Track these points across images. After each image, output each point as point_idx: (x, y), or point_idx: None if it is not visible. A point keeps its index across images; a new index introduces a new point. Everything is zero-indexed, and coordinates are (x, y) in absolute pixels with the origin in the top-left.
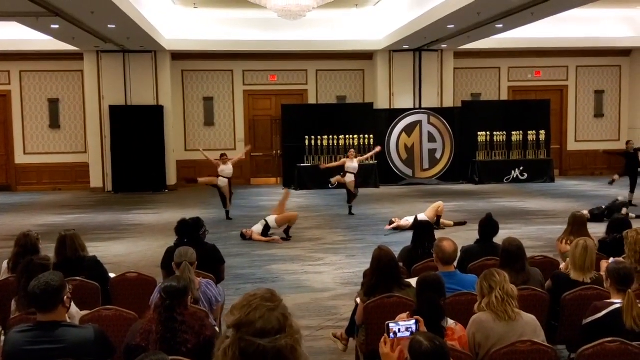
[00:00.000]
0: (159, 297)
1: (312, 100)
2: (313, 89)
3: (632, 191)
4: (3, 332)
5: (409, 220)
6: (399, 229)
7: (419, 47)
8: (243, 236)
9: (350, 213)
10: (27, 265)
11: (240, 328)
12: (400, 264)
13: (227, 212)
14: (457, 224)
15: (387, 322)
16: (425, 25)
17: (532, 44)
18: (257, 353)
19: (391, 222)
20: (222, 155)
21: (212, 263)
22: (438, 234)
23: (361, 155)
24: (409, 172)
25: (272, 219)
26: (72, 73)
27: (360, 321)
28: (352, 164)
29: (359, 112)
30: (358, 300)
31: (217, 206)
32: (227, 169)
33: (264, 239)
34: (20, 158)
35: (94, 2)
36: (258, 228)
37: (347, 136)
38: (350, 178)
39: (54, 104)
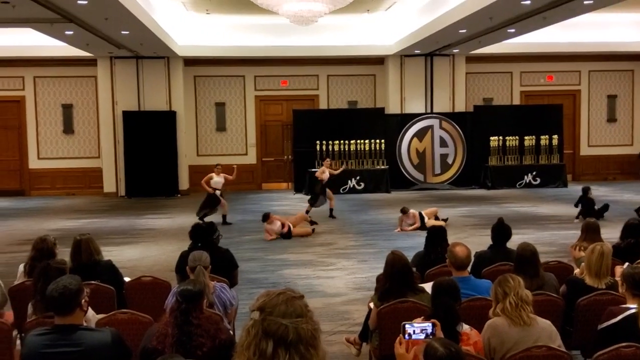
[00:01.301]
0: (174, 300)
1: (323, 105)
2: (324, 94)
3: None
4: (19, 335)
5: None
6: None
7: (430, 51)
8: (265, 218)
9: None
10: (44, 269)
11: (264, 309)
12: (413, 269)
13: (202, 219)
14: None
15: (403, 323)
16: (436, 30)
17: (544, 49)
18: (279, 332)
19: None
20: (217, 165)
21: (226, 267)
22: (450, 238)
23: (333, 169)
24: (420, 177)
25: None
26: (86, 79)
27: (373, 326)
28: (323, 175)
29: (370, 117)
30: (371, 305)
31: (229, 211)
32: (218, 181)
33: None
34: (34, 163)
35: (108, 8)
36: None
37: (358, 141)
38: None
39: (67, 109)
